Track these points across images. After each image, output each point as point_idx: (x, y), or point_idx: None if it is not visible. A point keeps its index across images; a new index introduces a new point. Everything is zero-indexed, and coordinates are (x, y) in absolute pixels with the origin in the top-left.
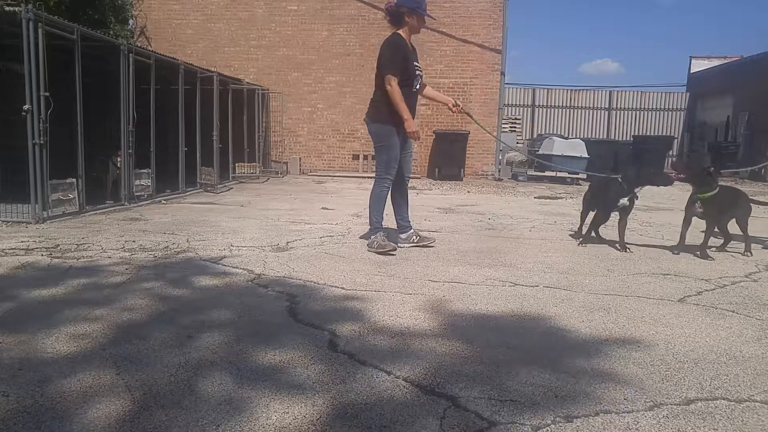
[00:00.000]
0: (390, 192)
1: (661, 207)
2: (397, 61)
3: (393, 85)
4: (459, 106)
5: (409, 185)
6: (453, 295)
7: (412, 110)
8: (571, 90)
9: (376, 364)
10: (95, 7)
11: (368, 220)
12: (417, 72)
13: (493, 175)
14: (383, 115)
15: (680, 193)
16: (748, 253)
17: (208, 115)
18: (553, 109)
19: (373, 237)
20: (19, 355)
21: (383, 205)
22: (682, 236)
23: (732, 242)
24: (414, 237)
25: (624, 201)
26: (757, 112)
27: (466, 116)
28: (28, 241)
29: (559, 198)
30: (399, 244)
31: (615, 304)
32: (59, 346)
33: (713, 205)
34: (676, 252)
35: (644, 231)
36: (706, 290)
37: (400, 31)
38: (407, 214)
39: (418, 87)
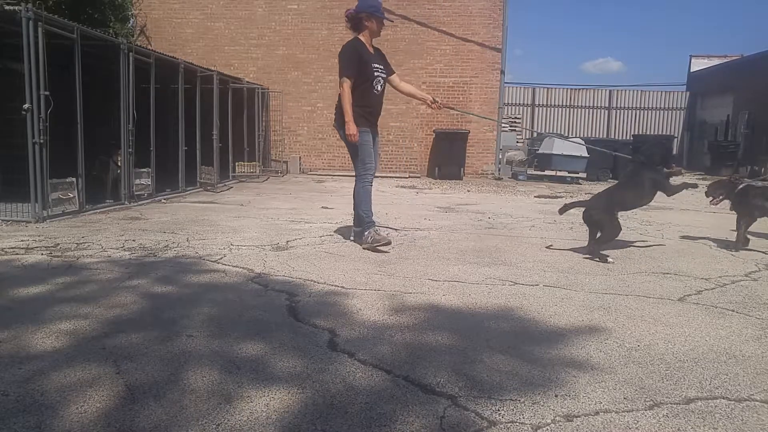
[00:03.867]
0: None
1: (662, 206)
2: (351, 65)
3: (344, 88)
4: (437, 102)
5: (409, 184)
6: (453, 294)
7: (377, 111)
8: (571, 89)
9: (375, 362)
10: (95, 6)
11: (357, 219)
12: (377, 74)
13: (493, 174)
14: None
15: (685, 192)
16: None
17: (208, 114)
18: (553, 109)
19: (366, 233)
20: (19, 353)
21: (369, 199)
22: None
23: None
24: (369, 237)
25: None
26: (756, 111)
27: (463, 115)
28: (28, 240)
29: (559, 197)
30: (351, 238)
31: (615, 303)
32: (59, 344)
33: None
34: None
35: (644, 230)
36: (706, 289)
37: (360, 36)
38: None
39: (380, 88)
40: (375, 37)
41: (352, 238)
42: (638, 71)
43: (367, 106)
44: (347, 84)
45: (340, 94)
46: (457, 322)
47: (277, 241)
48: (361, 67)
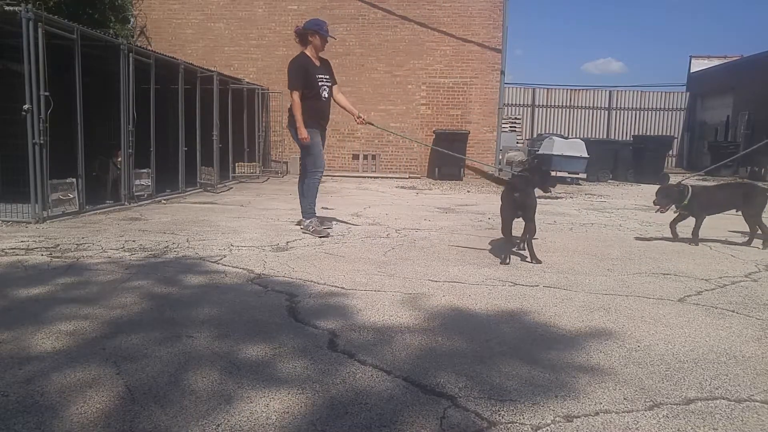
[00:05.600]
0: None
1: None
2: (298, 78)
3: (294, 98)
4: (362, 117)
5: (409, 185)
6: (453, 294)
7: (325, 115)
8: (571, 90)
9: (375, 363)
10: (95, 7)
11: (301, 209)
12: (321, 83)
13: (493, 174)
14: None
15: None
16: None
17: (208, 115)
18: (553, 109)
19: (307, 222)
20: (20, 354)
21: (315, 194)
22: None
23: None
24: (310, 227)
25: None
26: (756, 111)
27: (463, 116)
28: (28, 241)
29: (558, 198)
30: (301, 229)
31: (615, 304)
32: (59, 345)
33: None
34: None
35: (644, 230)
36: (706, 290)
37: (305, 50)
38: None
39: (326, 96)
40: (319, 51)
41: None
42: (638, 72)
43: (316, 111)
44: (296, 95)
45: (291, 103)
46: (457, 323)
47: (277, 242)
48: (307, 79)
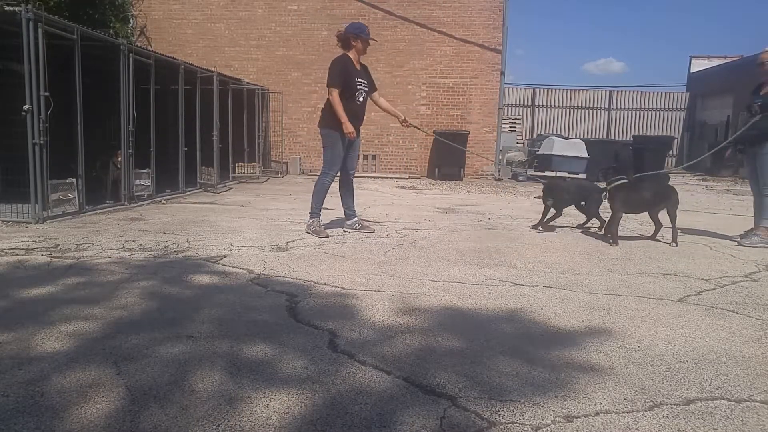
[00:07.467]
0: (338, 187)
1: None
2: (339, 76)
3: (333, 96)
4: (407, 121)
5: (409, 185)
6: (453, 295)
7: (359, 117)
8: (571, 90)
9: (376, 363)
10: (95, 7)
11: (309, 207)
12: (359, 87)
13: (492, 175)
14: (330, 122)
15: (684, 193)
16: (674, 244)
17: (208, 115)
18: (553, 109)
19: (311, 221)
20: (20, 354)
21: (323, 196)
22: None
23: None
24: (357, 224)
25: None
26: None
27: (463, 116)
28: (28, 241)
29: None
30: (344, 229)
31: (615, 304)
32: (59, 345)
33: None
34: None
35: (644, 231)
36: (706, 290)
37: (348, 53)
38: (353, 204)
39: (361, 99)
40: (362, 55)
41: (343, 229)
42: (638, 72)
43: (348, 112)
44: (335, 92)
45: (328, 100)
46: (457, 323)
47: (277, 242)
48: (346, 80)
